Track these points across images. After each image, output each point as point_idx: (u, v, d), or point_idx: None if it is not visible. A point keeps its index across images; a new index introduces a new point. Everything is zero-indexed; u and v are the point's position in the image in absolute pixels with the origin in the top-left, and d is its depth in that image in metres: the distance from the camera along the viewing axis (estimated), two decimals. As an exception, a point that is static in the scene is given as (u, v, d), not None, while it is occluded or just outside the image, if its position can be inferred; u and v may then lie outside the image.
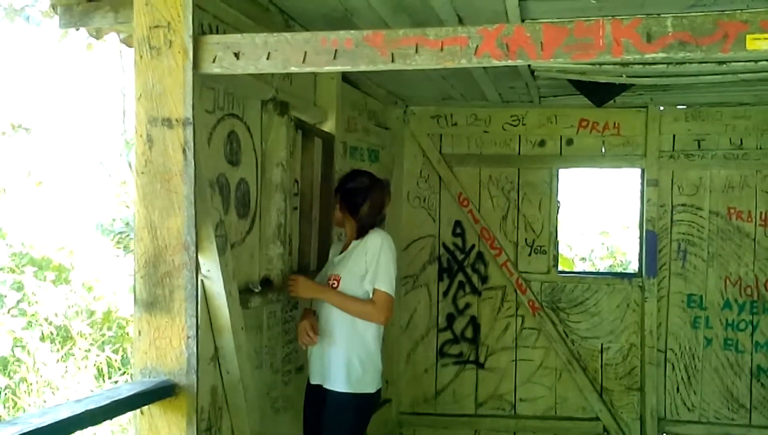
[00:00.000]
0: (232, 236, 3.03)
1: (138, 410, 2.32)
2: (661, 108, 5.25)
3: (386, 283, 3.25)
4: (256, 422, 3.07)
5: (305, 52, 2.28)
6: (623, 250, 8.81)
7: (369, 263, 3.25)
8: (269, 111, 3.32)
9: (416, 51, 2.20)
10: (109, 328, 6.70)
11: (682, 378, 5.35)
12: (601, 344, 5.47)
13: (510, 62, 2.15)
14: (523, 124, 5.50)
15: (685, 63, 3.56)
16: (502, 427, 5.56)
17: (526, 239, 5.55)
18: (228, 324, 2.83)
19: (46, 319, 5.94)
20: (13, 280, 6.10)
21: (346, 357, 3.26)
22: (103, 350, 6.11)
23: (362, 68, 2.25)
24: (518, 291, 5.50)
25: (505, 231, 5.56)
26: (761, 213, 5.21)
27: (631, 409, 5.43)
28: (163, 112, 2.36)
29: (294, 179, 3.59)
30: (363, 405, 3.32)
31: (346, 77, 4.28)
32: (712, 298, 5.30)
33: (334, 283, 3.34)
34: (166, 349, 2.37)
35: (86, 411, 1.93)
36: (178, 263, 2.36)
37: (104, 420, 2.04)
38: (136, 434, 2.40)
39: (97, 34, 3.21)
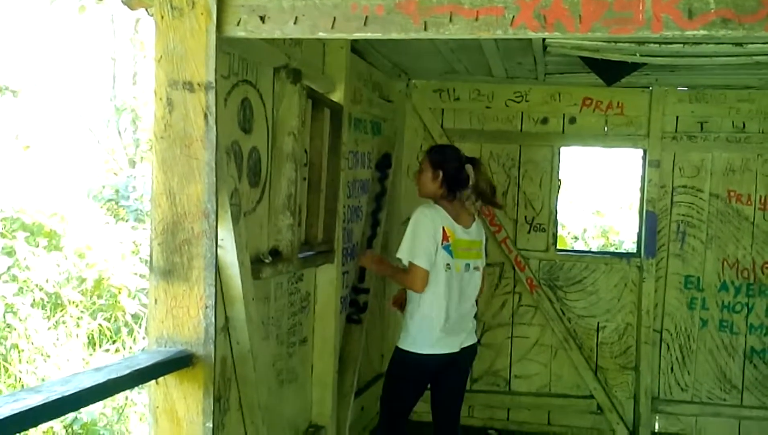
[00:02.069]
0: (244, 205, 2.98)
1: (153, 380, 2.28)
2: (666, 89, 5.22)
3: (414, 255, 3.53)
4: (263, 394, 3.04)
5: (334, 18, 2.21)
6: (616, 230, 8.85)
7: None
8: (282, 79, 3.26)
9: (450, 20, 2.14)
10: (100, 296, 6.63)
11: (676, 358, 5.39)
12: (598, 323, 5.49)
13: (547, 35, 2.10)
14: (526, 101, 5.46)
15: (702, 43, 3.53)
16: (497, 403, 5.59)
17: (525, 217, 5.53)
18: (240, 294, 2.79)
19: (37, 286, 5.86)
20: (4, 245, 6.00)
21: (404, 318, 3.71)
22: (95, 318, 6.04)
23: (393, 36, 2.19)
24: (516, 268, 5.49)
25: (505, 208, 5.53)
26: (761, 197, 5.22)
27: (625, 388, 5.46)
28: (185, 75, 2.29)
29: (303, 149, 3.53)
30: (406, 361, 3.66)
31: (353, 47, 4.21)
32: (709, 280, 5.32)
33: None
34: (183, 318, 2.32)
35: (108, 380, 1.89)
36: (197, 231, 2.31)
37: (125, 389, 2.00)
38: (150, 405, 2.36)
39: None
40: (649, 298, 5.30)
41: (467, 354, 3.80)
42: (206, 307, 2.31)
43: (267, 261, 3.12)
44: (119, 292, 6.46)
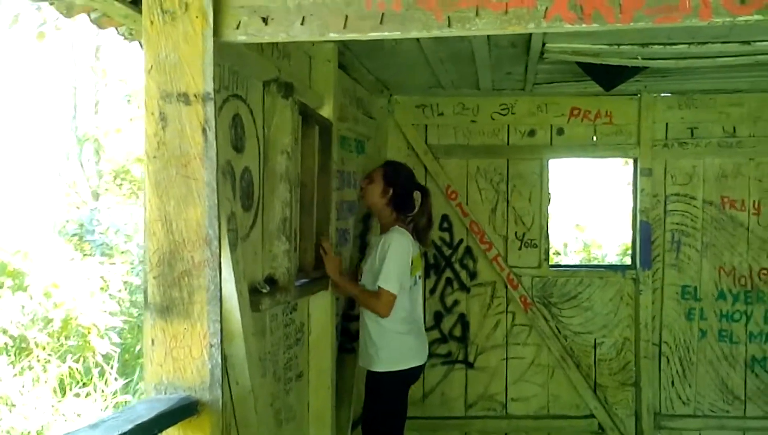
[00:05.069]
0: (239, 231, 2.72)
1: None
2: (661, 95, 5.11)
3: (389, 282, 3.53)
4: (265, 437, 2.76)
5: (346, 16, 1.99)
6: (599, 243, 8.73)
7: (380, 262, 3.55)
8: (272, 93, 3.01)
9: (476, 14, 1.93)
10: (67, 338, 6.26)
11: (677, 371, 5.23)
12: (595, 339, 5.31)
13: (584, 27, 1.90)
14: (513, 114, 5.29)
15: (708, 42, 3.40)
16: (494, 429, 5.35)
17: (516, 233, 5.34)
18: (239, 329, 2.51)
19: (1, 329, 5.46)
20: (-37, 287, 5.61)
21: (372, 341, 3.72)
22: (64, 361, 5.65)
23: (414, 34, 1.97)
24: (509, 286, 5.28)
25: (495, 224, 5.35)
26: (754, 202, 5.12)
27: (626, 405, 5.28)
28: (179, 86, 2.04)
29: (297, 169, 3.29)
30: (391, 382, 3.67)
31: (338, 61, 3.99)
32: (706, 289, 5.18)
33: (360, 276, 3.73)
34: (185, 360, 2.05)
35: (108, 439, 1.62)
36: (198, 260, 2.05)
37: (126, 447, 1.71)
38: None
39: (68, 12, 2.86)
40: (647, 310, 5.14)
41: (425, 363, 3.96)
42: (211, 346, 2.05)
43: (264, 291, 2.86)
44: (89, 332, 6.08)
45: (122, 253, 7.87)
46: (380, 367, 3.67)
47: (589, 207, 9.36)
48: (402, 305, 3.69)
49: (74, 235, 7.85)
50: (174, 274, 2.05)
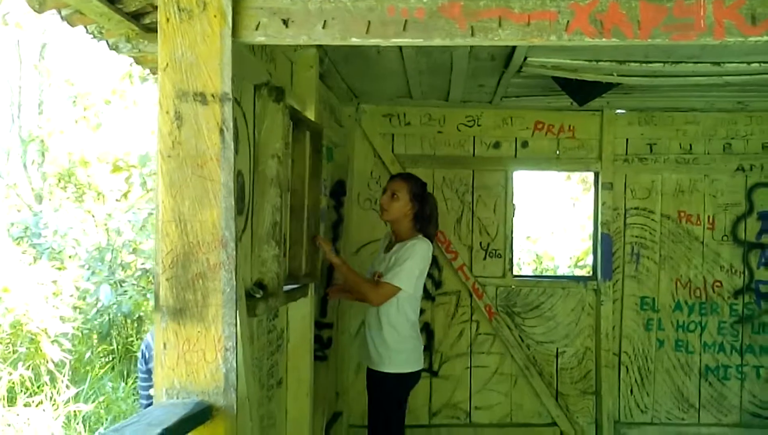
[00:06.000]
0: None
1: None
2: (621, 111, 5.28)
3: (402, 279, 3.64)
4: (258, 445, 2.72)
5: (369, 22, 2.01)
6: (550, 255, 8.91)
7: (398, 260, 3.66)
8: (263, 97, 3.00)
9: (499, 24, 1.97)
10: (14, 345, 6.02)
11: (635, 380, 5.38)
12: (557, 348, 5.42)
13: (604, 41, 1.96)
14: (478, 125, 5.38)
15: (681, 62, 3.53)
16: (458, 437, 5.40)
17: (480, 243, 5.42)
18: (238, 334, 2.48)
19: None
20: None
21: (387, 341, 3.78)
22: (16, 368, 5.44)
23: (437, 42, 2.00)
24: (474, 295, 5.35)
25: (460, 234, 5.41)
26: (709, 217, 5.33)
27: (587, 413, 5.39)
28: (196, 85, 2.01)
29: (288, 174, 3.26)
30: (403, 383, 3.81)
31: (317, 68, 3.98)
32: (663, 301, 5.36)
33: (378, 280, 3.74)
34: (199, 364, 2.02)
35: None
36: (213, 262, 2.02)
37: (151, 453, 1.67)
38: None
39: (40, 8, 2.79)
40: (608, 320, 5.28)
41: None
42: (226, 350, 2.02)
43: (258, 296, 2.83)
44: (39, 339, 5.87)
45: (70, 257, 7.62)
46: (393, 369, 3.76)
47: (538, 220, 9.55)
48: (415, 311, 3.80)
49: (19, 238, 7.57)
50: (188, 276, 2.01)
